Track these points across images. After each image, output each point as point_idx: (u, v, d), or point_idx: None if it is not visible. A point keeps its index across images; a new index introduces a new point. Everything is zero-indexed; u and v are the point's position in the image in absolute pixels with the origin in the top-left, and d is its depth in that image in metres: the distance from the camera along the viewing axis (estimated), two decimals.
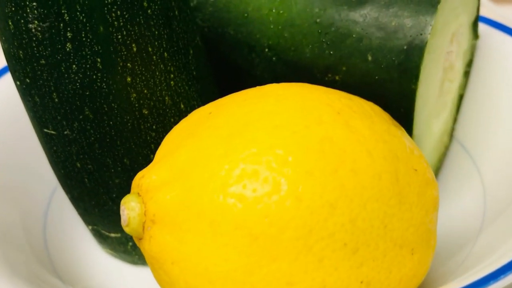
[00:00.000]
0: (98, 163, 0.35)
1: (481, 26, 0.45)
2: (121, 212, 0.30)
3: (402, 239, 0.30)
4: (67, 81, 0.32)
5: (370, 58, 0.35)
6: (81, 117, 0.33)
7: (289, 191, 0.28)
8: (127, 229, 0.30)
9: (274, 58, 0.38)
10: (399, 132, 0.32)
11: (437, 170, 0.43)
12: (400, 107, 0.36)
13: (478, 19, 0.43)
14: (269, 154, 0.28)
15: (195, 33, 0.36)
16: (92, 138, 0.34)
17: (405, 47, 0.35)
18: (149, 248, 0.30)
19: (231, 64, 0.40)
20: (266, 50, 0.38)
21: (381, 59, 0.35)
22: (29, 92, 0.33)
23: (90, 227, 0.40)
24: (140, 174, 0.30)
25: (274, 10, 0.38)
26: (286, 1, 0.37)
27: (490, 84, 0.44)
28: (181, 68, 0.34)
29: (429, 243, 0.31)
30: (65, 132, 0.34)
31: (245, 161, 0.28)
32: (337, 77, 0.36)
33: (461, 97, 0.45)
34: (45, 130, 0.34)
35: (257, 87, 0.33)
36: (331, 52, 0.36)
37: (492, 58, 0.44)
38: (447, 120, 0.43)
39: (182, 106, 0.35)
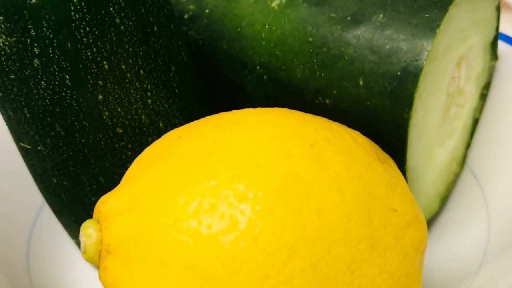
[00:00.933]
0: (73, 180, 0.34)
1: (502, 45, 0.41)
2: (79, 238, 0.29)
3: (372, 286, 0.28)
4: (36, 97, 0.31)
5: (361, 82, 0.33)
6: (52, 133, 0.32)
7: (245, 230, 0.26)
8: (84, 257, 0.29)
9: (265, 77, 0.36)
10: (382, 166, 0.30)
11: (444, 199, 0.41)
12: (393, 137, 0.33)
13: (497, 38, 0.40)
14: (228, 188, 0.26)
15: (179, 49, 0.34)
16: (65, 155, 0.33)
17: (398, 73, 0.32)
18: (104, 279, 0.28)
19: (225, 80, 0.38)
20: (258, 67, 0.36)
21: (373, 84, 0.33)
22: (2, 105, 0.32)
23: (74, 240, 0.39)
24: (101, 199, 0.29)
25: (267, 26, 0.36)
26: (279, 17, 0.35)
27: (508, 109, 0.41)
28: (160, 86, 0.33)
29: None
30: (39, 148, 0.33)
31: (203, 194, 0.26)
32: (327, 101, 0.34)
33: (476, 121, 0.42)
34: (21, 143, 0.33)
35: (233, 111, 0.31)
36: (322, 74, 0.34)
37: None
38: (456, 147, 0.40)
39: (161, 124, 0.33)
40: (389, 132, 0.33)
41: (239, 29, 0.37)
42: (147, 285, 0.26)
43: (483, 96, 0.41)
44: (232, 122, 0.29)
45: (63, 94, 0.31)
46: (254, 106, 0.38)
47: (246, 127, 0.29)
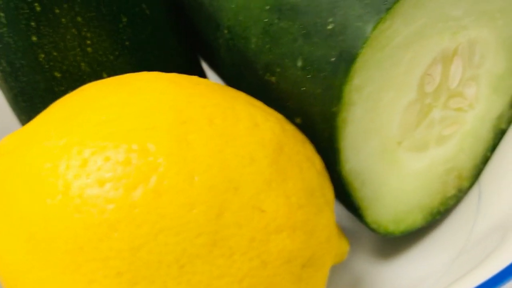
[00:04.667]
0: (27, 117, 0.35)
1: None
2: None
3: (208, 287, 0.25)
4: None
5: (299, 63, 0.29)
6: (1, 68, 0.33)
7: (67, 199, 0.24)
8: None
9: (230, 42, 0.33)
10: (279, 160, 0.26)
11: (437, 214, 0.35)
12: (324, 131, 0.29)
13: None
14: (69, 152, 0.25)
15: (139, 0, 0.33)
16: (15, 91, 0.34)
17: (333, 59, 0.28)
18: None
19: (204, 41, 0.36)
20: (226, 31, 0.33)
21: (309, 67, 0.29)
22: None
23: None
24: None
25: None
26: None
27: None
28: (103, 36, 0.32)
29: None
30: (8, 82, 0.34)
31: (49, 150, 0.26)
32: (273, 79, 0.31)
33: (502, 132, 0.35)
34: None
35: (138, 73, 0.29)
36: (271, 48, 0.30)
37: None
38: (455, 157, 0.34)
39: (104, 75, 0.33)
40: (321, 124, 0.29)
41: None
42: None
43: None
44: (122, 83, 0.28)
45: (1, 31, 0.31)
46: (225, 72, 0.35)
47: (127, 91, 0.27)
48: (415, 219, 0.34)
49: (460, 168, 0.34)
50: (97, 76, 0.33)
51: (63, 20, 0.31)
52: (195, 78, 0.29)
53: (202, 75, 0.39)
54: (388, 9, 0.27)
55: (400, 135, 0.31)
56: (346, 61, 0.27)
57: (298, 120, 0.31)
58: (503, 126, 0.35)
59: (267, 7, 0.31)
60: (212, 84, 0.29)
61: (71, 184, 0.25)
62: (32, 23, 0.31)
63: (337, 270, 0.35)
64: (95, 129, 0.25)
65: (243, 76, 0.33)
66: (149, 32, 0.34)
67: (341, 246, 0.31)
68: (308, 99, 0.29)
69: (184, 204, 0.24)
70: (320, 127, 0.29)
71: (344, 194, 0.31)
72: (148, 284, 0.24)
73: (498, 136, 0.35)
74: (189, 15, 0.37)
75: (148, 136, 0.25)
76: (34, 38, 0.31)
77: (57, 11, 0.31)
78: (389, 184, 0.32)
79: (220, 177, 0.25)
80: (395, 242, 0.36)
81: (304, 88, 0.29)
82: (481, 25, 0.30)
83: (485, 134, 0.35)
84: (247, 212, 0.25)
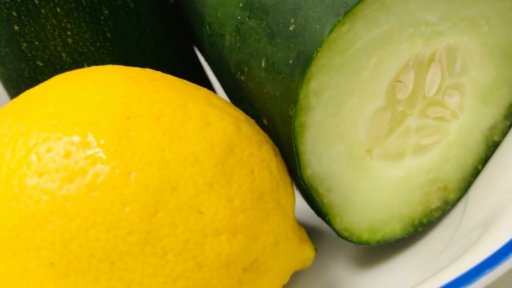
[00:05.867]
0: None
1: None
2: None
3: (141, 285, 0.25)
4: None
5: (263, 64, 0.28)
6: None
7: (5, 185, 0.25)
8: None
9: (210, 39, 0.33)
10: (214, 160, 0.25)
11: (419, 225, 0.33)
12: (285, 134, 0.28)
13: None
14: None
15: None
16: (4, 77, 0.35)
17: (290, 61, 0.27)
18: None
19: (195, 35, 0.36)
20: (207, 27, 0.33)
21: (271, 68, 0.28)
22: None
23: None
24: None
25: None
26: None
27: None
28: (83, 27, 0.32)
29: None
30: None
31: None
32: (242, 78, 0.30)
33: (495, 145, 0.33)
34: None
35: (97, 67, 0.29)
36: (241, 47, 0.30)
37: None
38: (438, 168, 0.32)
39: (86, 66, 0.33)
40: (282, 128, 0.28)
41: None
42: None
43: (510, 115, 0.32)
44: (79, 76, 0.28)
45: None
46: (211, 68, 0.35)
47: (81, 84, 0.27)
48: (393, 229, 0.33)
49: (445, 180, 0.33)
50: (78, 66, 0.33)
51: (42, 10, 0.32)
52: (155, 74, 0.28)
53: (197, 70, 0.39)
54: (346, 12, 0.26)
55: (369, 142, 0.30)
56: (303, 64, 0.26)
57: (265, 121, 0.30)
58: (496, 138, 0.33)
59: (240, 5, 0.30)
60: (174, 80, 0.28)
61: (13, 173, 0.25)
62: (14, 13, 0.32)
63: (314, 275, 0.34)
64: (41, 120, 0.26)
65: (222, 73, 0.33)
66: (133, 25, 0.34)
67: (303, 252, 0.30)
68: (269, 100, 0.28)
69: (118, 201, 0.24)
70: (281, 130, 0.28)
71: (309, 199, 0.30)
72: (80, 277, 0.25)
73: (491, 149, 0.33)
74: (183, 10, 0.37)
75: (90, 130, 0.25)
76: (16, 27, 0.32)
77: (36, 1, 0.31)
78: (360, 191, 0.31)
79: (158, 176, 0.25)
80: (375, 250, 0.35)
81: (266, 90, 0.28)
82: (461, 31, 0.29)
83: (475, 145, 0.33)
84: (183, 213, 0.25)
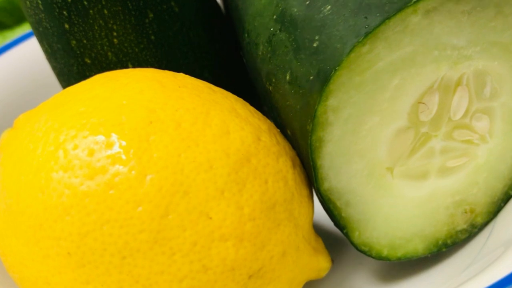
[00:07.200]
0: None
1: None
2: None
3: (149, 281, 0.26)
4: (28, 16, 0.35)
5: (288, 77, 0.29)
6: (44, 49, 0.36)
7: (34, 177, 0.27)
8: None
9: (248, 47, 0.34)
10: (228, 168, 0.26)
11: (443, 246, 0.33)
12: (304, 147, 0.29)
13: None
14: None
15: None
16: (57, 71, 0.37)
17: (311, 78, 0.27)
18: None
19: (238, 40, 0.37)
20: (246, 35, 0.34)
21: (294, 82, 0.28)
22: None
23: None
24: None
25: None
26: None
27: None
28: (128, 29, 0.34)
29: None
30: (51, 61, 0.37)
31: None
32: (270, 88, 0.31)
33: None
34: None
35: (129, 69, 0.31)
36: (271, 58, 0.31)
37: None
38: (465, 191, 0.32)
39: (130, 65, 0.35)
40: (301, 140, 0.29)
41: None
42: None
43: None
44: (112, 78, 0.30)
45: (39, 17, 0.34)
46: (248, 74, 0.36)
47: (111, 87, 0.29)
48: (416, 247, 0.33)
49: (472, 203, 0.33)
50: (123, 66, 0.35)
51: (90, 11, 0.33)
52: (185, 80, 0.30)
53: (241, 75, 0.40)
54: (367, 33, 0.26)
55: (390, 161, 0.30)
56: (322, 81, 0.27)
57: (289, 132, 0.31)
58: None
59: (275, 17, 0.31)
60: (201, 88, 0.29)
61: (42, 165, 0.27)
62: (64, 12, 0.34)
63: (333, 286, 0.35)
64: (72, 118, 0.27)
65: (256, 80, 0.34)
66: (177, 29, 0.35)
67: (317, 263, 0.31)
68: (291, 113, 0.29)
69: (132, 201, 0.26)
70: (301, 143, 0.29)
71: (327, 211, 0.31)
72: (93, 268, 0.26)
73: None
74: (231, 16, 0.38)
75: (115, 131, 0.27)
76: (66, 26, 0.34)
77: (85, 2, 0.33)
78: (380, 208, 0.31)
79: (171, 180, 0.26)
80: (397, 266, 0.35)
81: (288, 102, 0.29)
82: (490, 57, 0.28)
83: (506, 170, 0.32)
84: (193, 217, 0.26)
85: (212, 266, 0.26)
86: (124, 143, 0.26)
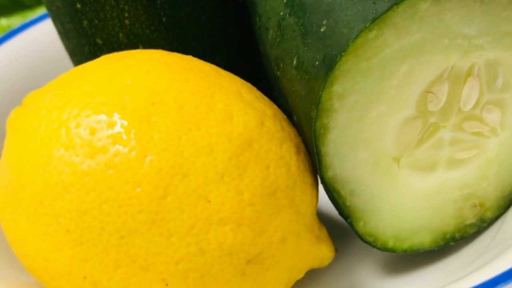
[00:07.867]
0: None
1: None
2: None
3: (146, 262, 0.26)
4: None
5: (294, 62, 0.28)
6: (57, 28, 0.36)
7: (36, 155, 0.27)
8: None
9: (259, 31, 0.33)
10: (229, 152, 0.26)
11: (450, 239, 0.32)
12: (308, 133, 0.28)
13: None
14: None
15: None
16: (69, 50, 0.37)
17: (317, 63, 0.27)
18: None
19: (251, 24, 0.36)
20: (257, 19, 0.33)
21: (300, 68, 0.28)
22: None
23: None
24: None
25: None
26: None
27: None
28: (140, 10, 0.34)
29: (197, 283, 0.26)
30: (64, 41, 0.38)
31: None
32: (278, 73, 0.30)
33: None
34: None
35: (136, 50, 0.31)
36: (279, 43, 0.30)
37: None
38: (475, 184, 0.31)
39: (141, 47, 0.35)
40: (306, 127, 0.28)
41: None
42: None
43: None
44: (118, 59, 0.29)
45: None
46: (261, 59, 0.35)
47: (117, 67, 0.29)
48: (423, 240, 0.32)
49: (482, 197, 0.32)
50: (134, 47, 0.35)
51: None
52: (192, 63, 0.29)
53: (254, 60, 0.39)
54: (375, 19, 0.25)
55: (397, 151, 0.29)
56: (327, 66, 0.26)
57: (295, 118, 0.30)
58: None
59: (285, 1, 0.31)
60: (207, 71, 0.29)
61: (44, 143, 0.27)
62: None
63: (337, 275, 0.35)
64: (76, 98, 0.27)
65: (266, 65, 0.33)
66: (189, 11, 0.35)
67: (320, 251, 0.30)
68: (297, 99, 0.29)
69: (131, 181, 0.26)
70: (306, 129, 0.29)
71: (332, 200, 0.30)
72: (91, 246, 0.26)
73: None
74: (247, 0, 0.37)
75: (117, 111, 0.27)
76: (78, 5, 0.34)
77: None
78: (386, 198, 0.31)
79: (170, 162, 0.26)
80: (403, 257, 0.35)
81: (294, 88, 0.29)
82: (502, 47, 0.27)
83: None
84: (191, 200, 0.26)
85: (209, 250, 0.26)
86: (125, 123, 0.26)
